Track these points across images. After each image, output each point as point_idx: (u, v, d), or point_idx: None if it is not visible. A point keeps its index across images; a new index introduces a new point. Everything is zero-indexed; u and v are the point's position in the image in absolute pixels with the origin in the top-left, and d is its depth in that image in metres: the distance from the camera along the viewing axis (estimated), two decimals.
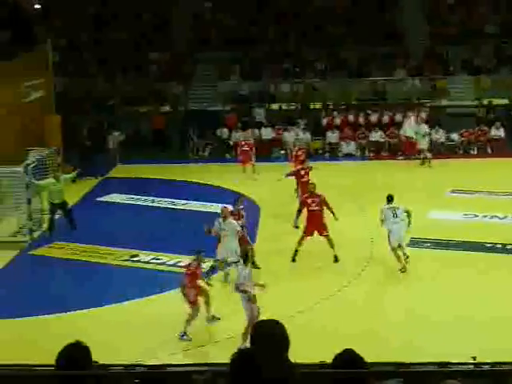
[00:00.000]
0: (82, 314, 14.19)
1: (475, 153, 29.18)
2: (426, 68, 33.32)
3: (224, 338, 12.44)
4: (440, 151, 28.93)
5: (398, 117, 30.21)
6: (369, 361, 4.44)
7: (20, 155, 20.57)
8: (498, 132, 29.53)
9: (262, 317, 12.52)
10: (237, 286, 12.40)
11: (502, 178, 23.54)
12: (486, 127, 29.64)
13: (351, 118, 31.05)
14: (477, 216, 20.18)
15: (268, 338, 4.31)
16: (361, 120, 30.87)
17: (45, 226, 20.18)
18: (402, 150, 28.84)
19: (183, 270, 14.12)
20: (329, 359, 4.43)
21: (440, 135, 29.50)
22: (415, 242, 17.67)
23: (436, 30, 34.59)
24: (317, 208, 16.97)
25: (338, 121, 30.90)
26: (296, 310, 13.82)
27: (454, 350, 11.63)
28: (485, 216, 20.06)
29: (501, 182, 22.97)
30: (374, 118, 30.81)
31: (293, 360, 4.26)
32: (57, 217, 19.78)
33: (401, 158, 28.46)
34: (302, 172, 20.80)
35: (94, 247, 18.27)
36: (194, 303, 13.09)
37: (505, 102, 31.56)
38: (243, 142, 26.13)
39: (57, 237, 19.26)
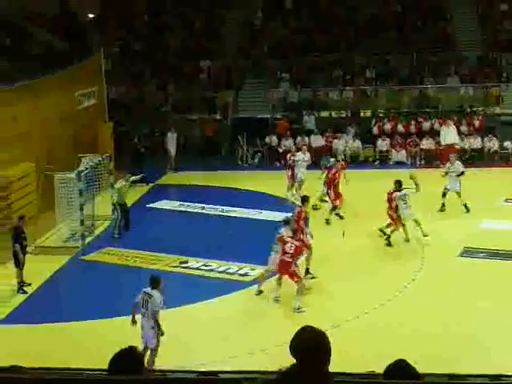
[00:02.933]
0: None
1: None
2: (478, 75, 32.85)
3: (272, 346, 12.39)
4: (493, 160, 28.49)
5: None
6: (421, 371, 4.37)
7: (73, 162, 20.91)
8: None
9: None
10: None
11: None
12: None
13: (401, 125, 30.78)
14: None
15: (310, 349, 4.13)
16: (412, 128, 30.58)
17: (96, 232, 20.52)
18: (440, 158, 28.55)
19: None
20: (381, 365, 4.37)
21: (493, 143, 29.05)
22: (469, 252, 17.42)
23: (489, 36, 34.13)
24: None
25: (388, 128, 30.68)
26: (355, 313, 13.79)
27: (507, 362, 11.41)
28: None
29: None
30: (425, 125, 30.48)
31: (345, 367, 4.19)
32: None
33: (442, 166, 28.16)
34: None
35: (144, 253, 18.44)
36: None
37: None
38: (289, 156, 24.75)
39: (108, 243, 19.53)
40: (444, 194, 21.11)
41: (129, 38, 35.81)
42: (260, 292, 15.46)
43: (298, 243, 15.09)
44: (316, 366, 4.07)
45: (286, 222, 15.75)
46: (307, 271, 16.08)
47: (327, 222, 20.50)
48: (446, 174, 21.21)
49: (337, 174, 21.38)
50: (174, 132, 29.40)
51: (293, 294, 14.65)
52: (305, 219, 16.51)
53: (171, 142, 29.10)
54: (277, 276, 15.14)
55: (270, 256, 15.32)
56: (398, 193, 18.38)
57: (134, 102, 32.92)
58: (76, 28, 33.46)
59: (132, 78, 33.86)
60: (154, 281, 12.06)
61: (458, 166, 21.53)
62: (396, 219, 18.40)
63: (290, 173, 23.78)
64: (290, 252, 14.85)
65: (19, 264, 16.05)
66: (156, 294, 11.83)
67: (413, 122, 30.71)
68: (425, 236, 18.32)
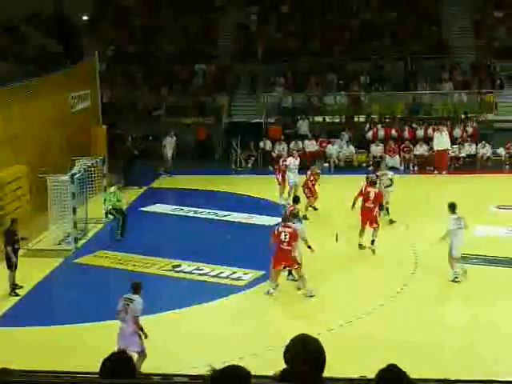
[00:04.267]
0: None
1: None
2: (472, 82, 32.95)
3: (264, 350, 12.34)
4: (487, 166, 28.57)
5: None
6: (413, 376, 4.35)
7: (66, 164, 20.85)
8: None
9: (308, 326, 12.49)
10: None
11: None
12: None
13: (395, 131, 30.84)
14: None
15: (302, 358, 4.12)
16: (406, 134, 30.64)
17: (89, 235, 20.47)
18: (434, 164, 28.71)
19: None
20: (372, 371, 4.35)
21: (486, 150, 29.13)
22: (462, 258, 17.44)
23: (483, 43, 34.24)
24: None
25: (382, 134, 30.73)
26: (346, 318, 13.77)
27: (504, 368, 11.44)
28: None
29: None
30: (419, 132, 30.54)
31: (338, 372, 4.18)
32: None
33: (436, 172, 28.29)
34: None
35: (136, 257, 18.39)
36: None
37: None
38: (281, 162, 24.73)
39: (101, 246, 19.48)
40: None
41: (123, 41, 35.79)
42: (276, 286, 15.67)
43: (289, 229, 15.28)
44: (307, 374, 4.06)
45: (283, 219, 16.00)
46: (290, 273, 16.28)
47: (304, 217, 19.92)
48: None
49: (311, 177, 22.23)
50: (173, 136, 29.35)
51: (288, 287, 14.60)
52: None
53: (169, 145, 29.02)
54: (274, 269, 15.27)
55: None
56: None
57: (128, 105, 32.90)
58: (70, 30, 33.40)
59: (126, 81, 33.84)
60: (136, 286, 12.02)
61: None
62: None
63: (281, 178, 23.85)
64: (286, 240, 15.17)
65: (11, 266, 15.97)
66: (137, 299, 11.81)
67: (406, 128, 30.79)
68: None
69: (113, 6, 37.72)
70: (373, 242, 18.20)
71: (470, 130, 30.23)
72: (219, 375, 3.94)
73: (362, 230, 18.47)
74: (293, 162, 23.80)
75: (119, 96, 33.38)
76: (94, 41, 33.50)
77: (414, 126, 30.93)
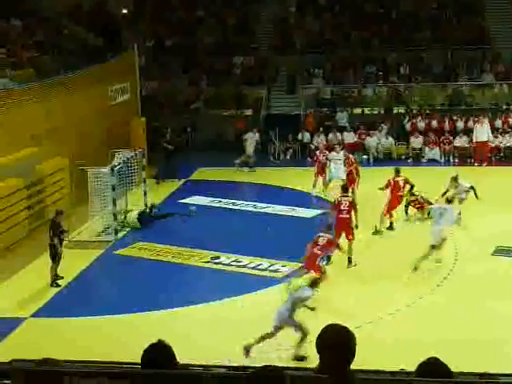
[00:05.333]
0: (167, 314, 14.42)
1: None
2: None
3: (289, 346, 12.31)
4: None
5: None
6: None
7: (106, 157, 21.07)
8: None
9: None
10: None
11: None
12: None
13: (435, 123, 30.52)
14: None
15: (334, 345, 4.09)
16: (446, 125, 30.30)
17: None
18: (475, 156, 28.42)
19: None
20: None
21: None
22: (503, 251, 17.26)
23: None
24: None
25: (421, 126, 30.44)
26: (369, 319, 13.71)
27: None
28: None
29: None
30: (460, 123, 30.19)
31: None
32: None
33: (476, 164, 28.00)
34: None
35: (175, 248, 18.52)
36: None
37: None
38: (319, 154, 24.77)
39: (140, 237, 19.64)
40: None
41: (162, 34, 35.95)
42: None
43: (330, 236, 15.34)
44: (334, 364, 4.05)
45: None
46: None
47: None
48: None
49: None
50: (256, 132, 29.27)
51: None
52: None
53: (251, 141, 28.75)
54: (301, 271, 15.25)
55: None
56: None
57: (167, 97, 33.07)
58: (110, 23, 33.67)
59: (165, 73, 34.01)
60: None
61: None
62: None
63: (317, 169, 23.96)
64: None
65: (55, 258, 16.16)
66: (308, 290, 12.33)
67: (447, 120, 30.45)
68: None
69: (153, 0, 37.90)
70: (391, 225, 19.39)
71: (511, 121, 29.78)
72: (255, 376, 3.95)
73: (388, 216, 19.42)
74: (335, 155, 23.83)
75: (158, 88, 33.58)
76: (133, 34, 33.71)
77: (454, 117, 30.57)
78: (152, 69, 33.54)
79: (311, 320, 11.97)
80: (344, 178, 22.43)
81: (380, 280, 15.78)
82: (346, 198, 16.92)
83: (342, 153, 24.28)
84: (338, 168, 23.43)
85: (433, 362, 4.23)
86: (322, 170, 24.01)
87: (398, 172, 19.89)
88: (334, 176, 23.35)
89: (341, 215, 16.69)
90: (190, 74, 34.22)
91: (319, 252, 15.07)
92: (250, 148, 28.48)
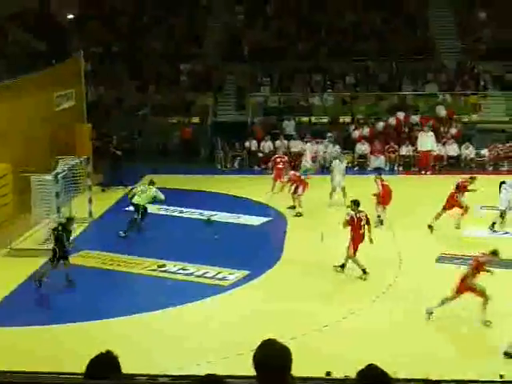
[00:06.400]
0: (112, 322, 14.24)
1: (505, 169, 28.88)
2: (457, 83, 33.12)
3: (248, 350, 12.33)
4: (470, 167, 28.72)
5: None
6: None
7: (50, 163, 20.76)
8: None
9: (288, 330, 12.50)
10: None
11: None
12: None
13: (380, 131, 30.94)
14: (507, 233, 19.98)
15: (264, 364, 4.18)
16: (391, 134, 30.76)
17: (73, 234, 20.35)
18: (419, 164, 29.01)
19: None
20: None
21: (470, 151, 29.31)
22: (446, 259, 17.55)
23: (468, 44, 34.43)
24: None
25: (367, 134, 30.80)
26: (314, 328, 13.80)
27: (470, 366, 11.49)
28: None
29: None
30: (404, 133, 30.69)
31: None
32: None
33: (422, 172, 28.59)
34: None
35: (121, 257, 18.33)
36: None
37: None
38: (278, 159, 25.30)
39: (85, 245, 19.37)
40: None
41: (109, 40, 35.67)
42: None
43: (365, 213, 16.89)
44: (270, 379, 4.09)
45: None
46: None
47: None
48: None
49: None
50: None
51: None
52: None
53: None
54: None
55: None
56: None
57: (113, 104, 32.80)
58: (55, 29, 33.27)
59: (112, 79, 33.73)
60: None
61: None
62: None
63: (275, 175, 24.22)
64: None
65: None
66: None
67: (391, 129, 30.93)
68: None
69: (99, 4, 37.57)
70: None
71: (454, 131, 30.39)
72: None
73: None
74: (337, 164, 23.90)
75: (105, 95, 33.29)
76: (79, 40, 33.37)
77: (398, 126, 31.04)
78: (99, 75, 33.25)
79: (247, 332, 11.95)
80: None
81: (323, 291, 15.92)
82: (363, 213, 16.75)
83: (344, 163, 24.46)
84: (340, 175, 23.44)
85: (372, 369, 4.27)
86: (279, 176, 24.14)
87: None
88: (336, 185, 23.31)
89: (361, 231, 16.62)
90: (138, 81, 34.01)
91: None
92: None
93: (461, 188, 20.22)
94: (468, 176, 21.32)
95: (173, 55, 34.60)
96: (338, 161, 24.19)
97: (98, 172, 26.55)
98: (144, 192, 20.72)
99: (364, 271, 16.42)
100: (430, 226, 19.86)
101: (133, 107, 32.90)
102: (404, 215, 21.26)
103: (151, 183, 21.11)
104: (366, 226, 16.67)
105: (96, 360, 4.49)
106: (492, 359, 12.25)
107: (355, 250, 16.56)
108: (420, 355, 12.32)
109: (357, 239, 16.61)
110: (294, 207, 22.38)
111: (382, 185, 20.95)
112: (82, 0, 37.59)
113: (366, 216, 16.77)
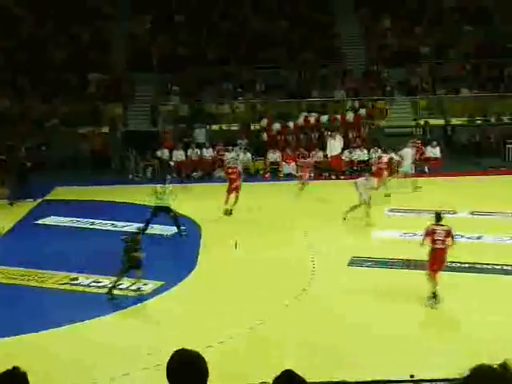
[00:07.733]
0: (17, 340, 13.78)
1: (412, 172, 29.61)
2: (364, 89, 33.87)
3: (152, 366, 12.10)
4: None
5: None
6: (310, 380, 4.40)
7: None
8: (434, 151, 30.13)
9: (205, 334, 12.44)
10: None
11: (440, 196, 23.93)
12: (422, 147, 30.16)
13: (291, 138, 31.31)
14: (415, 234, 20.46)
15: (187, 370, 4.13)
16: (302, 141, 31.16)
17: None
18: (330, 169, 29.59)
19: None
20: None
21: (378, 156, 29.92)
22: (357, 262, 17.85)
23: (373, 51, 35.27)
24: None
25: (278, 141, 31.10)
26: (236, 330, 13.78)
27: (390, 366, 11.70)
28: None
29: (438, 200, 23.30)
30: (314, 138, 31.14)
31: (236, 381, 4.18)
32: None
33: (333, 177, 29.13)
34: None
35: (31, 271, 17.83)
36: None
37: (441, 122, 32.30)
38: (230, 170, 24.27)
39: None
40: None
41: (12, 49, 34.73)
42: None
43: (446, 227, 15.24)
44: None
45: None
46: None
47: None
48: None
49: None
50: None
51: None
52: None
53: None
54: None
55: None
56: None
57: (18, 115, 31.98)
58: None
59: (15, 90, 32.87)
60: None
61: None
62: None
63: (231, 188, 23.17)
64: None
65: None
66: None
67: (302, 135, 31.33)
68: None
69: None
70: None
71: (362, 135, 31.04)
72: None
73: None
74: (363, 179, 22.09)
75: (8, 106, 32.39)
76: None
77: (308, 132, 31.49)
78: (1, 86, 32.35)
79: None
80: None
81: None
82: (441, 228, 15.19)
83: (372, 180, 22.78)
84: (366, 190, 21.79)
85: (288, 375, 4.26)
86: (234, 189, 23.13)
87: None
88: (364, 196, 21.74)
89: (435, 246, 15.15)
90: (42, 91, 33.24)
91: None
92: None
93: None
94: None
95: (78, 64, 34.00)
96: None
97: (5, 186, 25.82)
98: (165, 194, 20.97)
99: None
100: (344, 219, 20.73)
101: (41, 118, 32.17)
102: (316, 218, 21.53)
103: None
104: None
105: (3, 377, 4.34)
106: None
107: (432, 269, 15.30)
108: (334, 359, 12.46)
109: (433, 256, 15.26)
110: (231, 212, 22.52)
111: None
112: None
113: (447, 231, 15.15)
